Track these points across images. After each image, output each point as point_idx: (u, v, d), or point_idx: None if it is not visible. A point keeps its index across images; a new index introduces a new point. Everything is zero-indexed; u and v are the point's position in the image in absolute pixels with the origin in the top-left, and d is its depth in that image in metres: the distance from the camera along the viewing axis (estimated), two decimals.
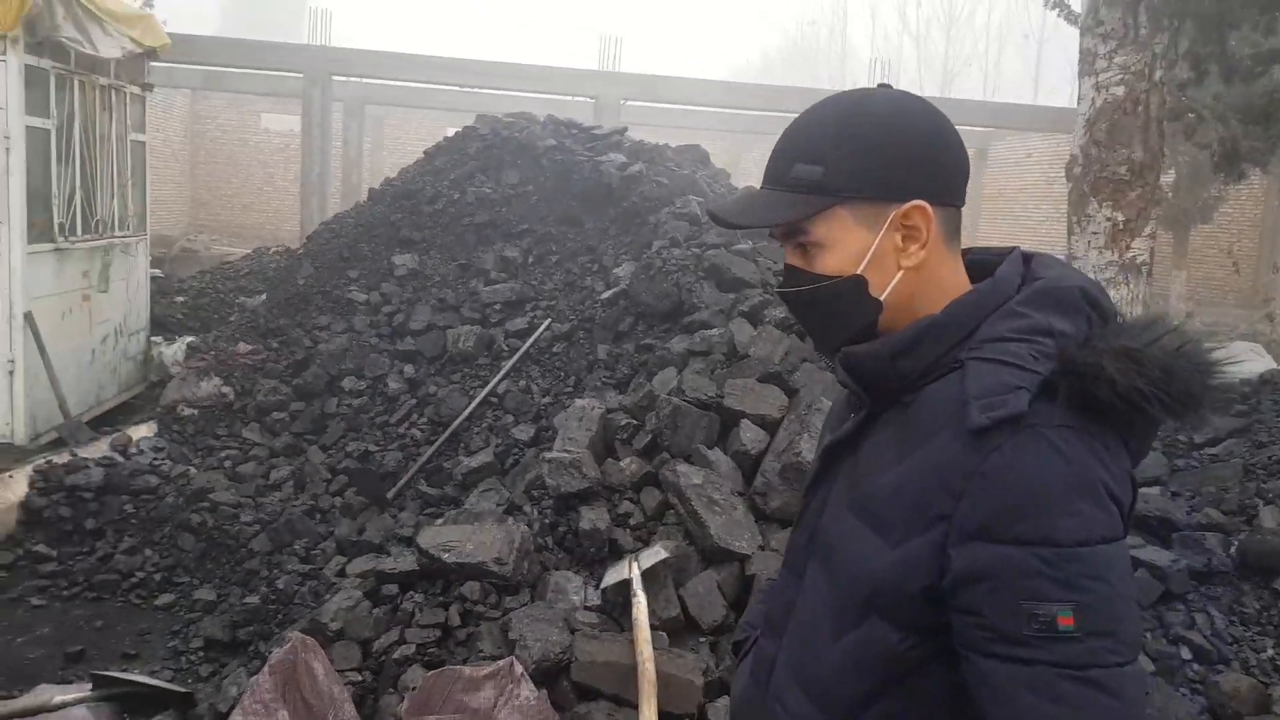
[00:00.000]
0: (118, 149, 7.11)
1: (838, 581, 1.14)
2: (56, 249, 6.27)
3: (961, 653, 1.03)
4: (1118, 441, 1.03)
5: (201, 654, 3.82)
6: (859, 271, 1.11)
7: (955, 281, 1.14)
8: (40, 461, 5.04)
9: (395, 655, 3.21)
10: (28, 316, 5.91)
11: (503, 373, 5.67)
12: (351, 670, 3.23)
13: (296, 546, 4.52)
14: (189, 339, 7.80)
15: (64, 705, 3.00)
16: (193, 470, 5.22)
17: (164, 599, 4.30)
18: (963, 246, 1.18)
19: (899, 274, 1.11)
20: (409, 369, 5.99)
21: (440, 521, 3.80)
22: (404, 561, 3.72)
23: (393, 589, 3.63)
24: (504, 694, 2.30)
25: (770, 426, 4.17)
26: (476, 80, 14.40)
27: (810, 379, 4.46)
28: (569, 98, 15.24)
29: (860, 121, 1.11)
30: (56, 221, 6.26)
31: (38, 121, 5.97)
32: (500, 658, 2.87)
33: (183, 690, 3.23)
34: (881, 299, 1.12)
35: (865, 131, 1.10)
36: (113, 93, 6.97)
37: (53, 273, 6.26)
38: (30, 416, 6.01)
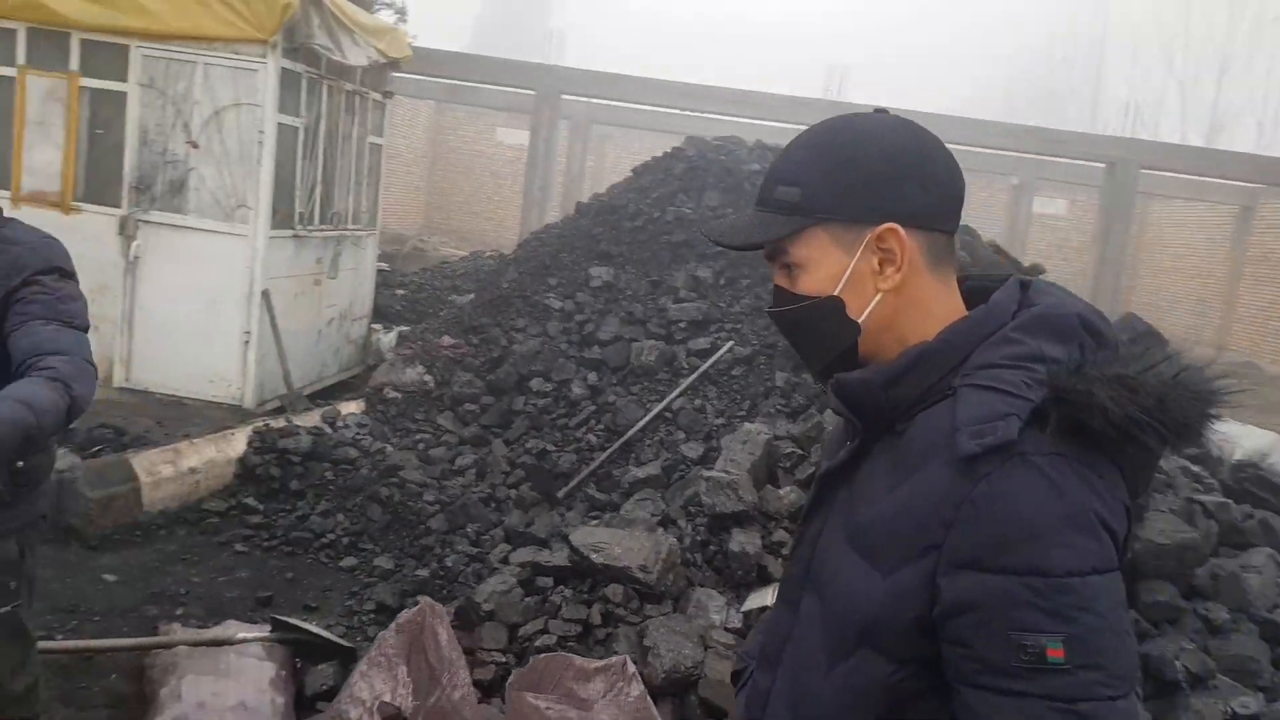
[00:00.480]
0: (357, 150, 7.79)
1: (831, 612, 1.13)
2: (295, 235, 6.95)
3: (952, 685, 1.02)
4: (1113, 470, 1.00)
5: (372, 615, 4.11)
6: (836, 293, 1.12)
7: (945, 307, 1.13)
8: (260, 424, 5.59)
9: (537, 643, 3.34)
10: (265, 294, 6.59)
11: (680, 389, 5.76)
12: (496, 650, 3.39)
13: (469, 530, 4.78)
14: (402, 328, 8.42)
15: (244, 640, 3.31)
16: (389, 448, 5.62)
17: (348, 562, 4.65)
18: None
19: (877, 296, 1.11)
20: (592, 376, 6.19)
21: (595, 523, 3.92)
22: (558, 556, 3.87)
23: (546, 581, 3.78)
24: (612, 689, 2.36)
25: None
26: (698, 104, 14.70)
27: None
28: (789, 125, 15.25)
29: (839, 144, 1.12)
30: (297, 211, 6.94)
31: (288, 120, 6.65)
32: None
33: (348, 645, 3.49)
34: (860, 321, 1.12)
35: (842, 154, 1.11)
36: (356, 98, 7.66)
37: (290, 257, 6.94)
38: (259, 384, 6.69)
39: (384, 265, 9.42)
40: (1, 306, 2.01)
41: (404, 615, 2.33)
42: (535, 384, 6.26)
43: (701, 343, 6.13)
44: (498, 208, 22.25)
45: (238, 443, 5.34)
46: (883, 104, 1.44)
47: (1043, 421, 0.99)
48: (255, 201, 6.42)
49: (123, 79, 6.41)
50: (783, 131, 14.44)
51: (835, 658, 1.11)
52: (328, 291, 7.62)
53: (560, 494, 5.23)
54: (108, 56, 6.40)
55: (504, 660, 3.35)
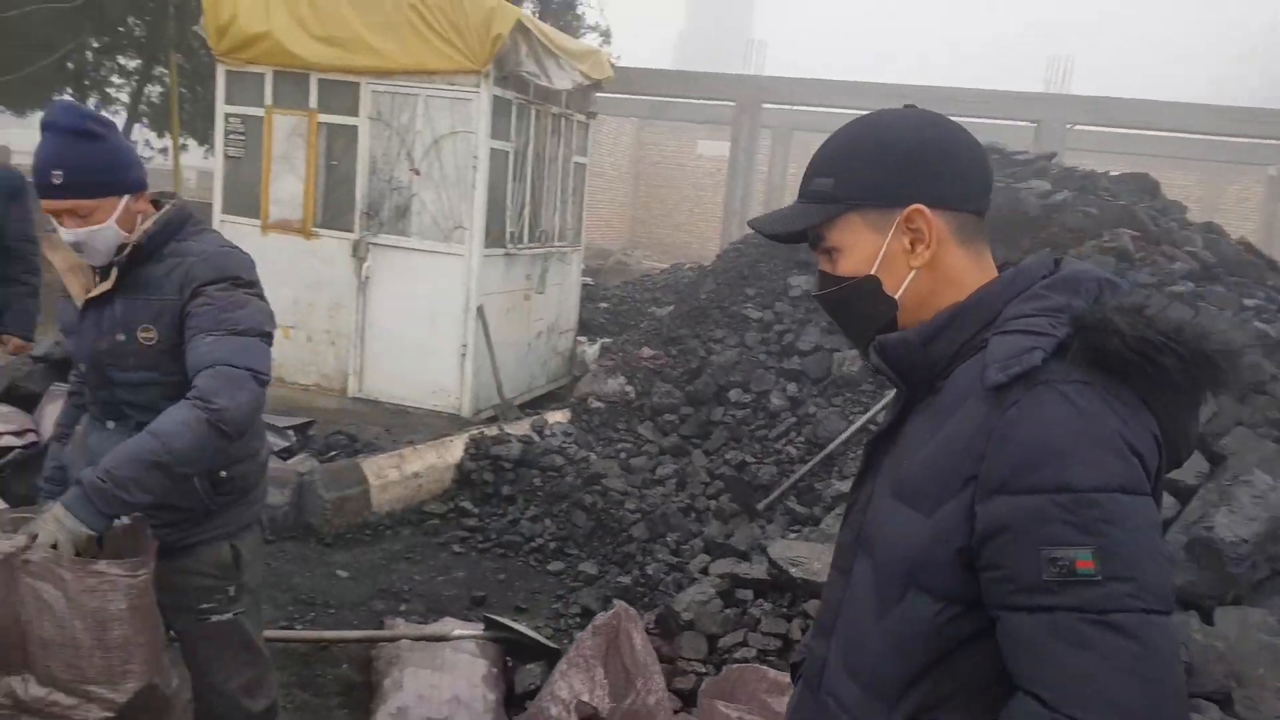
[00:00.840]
0: (562, 169, 8.10)
1: (880, 564, 1.18)
2: (506, 254, 7.30)
3: (991, 614, 1.05)
4: (1135, 398, 1.04)
5: (577, 619, 4.23)
6: (872, 272, 1.21)
7: (978, 280, 1.20)
8: (475, 432, 5.90)
9: (737, 655, 3.33)
10: (479, 310, 6.96)
11: (884, 402, 5.58)
12: (696, 660, 3.41)
13: (669, 539, 4.83)
14: (605, 340, 8.66)
15: (460, 637, 3.50)
16: (593, 456, 5.79)
17: (555, 566, 4.82)
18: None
19: (911, 273, 1.20)
20: (792, 387, 6.12)
21: (794, 537, 3.86)
22: (757, 569, 3.84)
23: (745, 593, 3.77)
24: None
25: (1183, 494, 3.71)
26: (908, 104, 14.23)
27: (1244, 445, 3.89)
28: (1008, 123, 14.47)
29: (868, 136, 1.23)
30: (508, 230, 7.29)
31: (500, 144, 7.01)
32: None
33: (555, 646, 3.61)
34: (896, 296, 1.21)
35: (869, 144, 1.22)
36: (562, 120, 7.97)
37: (501, 274, 7.30)
38: (474, 394, 7.07)
39: (588, 279, 9.72)
40: (179, 320, 2.07)
41: (600, 618, 2.38)
42: (734, 395, 6.27)
43: None
44: (699, 220, 22.50)
45: (456, 449, 5.66)
46: (1115, 94, 1.51)
47: (1067, 353, 1.05)
48: (470, 223, 6.80)
49: (354, 114, 6.98)
50: (1001, 129, 13.74)
51: (885, 607, 1.15)
52: (536, 306, 7.96)
53: (760, 506, 5.20)
54: (341, 94, 6.99)
55: (703, 670, 3.36)
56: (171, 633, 2.22)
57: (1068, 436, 1.00)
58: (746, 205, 15.83)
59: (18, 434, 5.03)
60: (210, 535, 2.19)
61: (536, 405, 7.84)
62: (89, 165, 1.99)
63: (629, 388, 6.62)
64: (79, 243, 2.03)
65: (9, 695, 1.85)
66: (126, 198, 2.05)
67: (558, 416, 6.64)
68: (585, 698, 2.05)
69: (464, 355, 6.99)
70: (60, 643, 1.81)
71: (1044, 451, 1.00)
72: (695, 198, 22.68)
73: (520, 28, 6.60)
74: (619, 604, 2.42)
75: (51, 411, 5.25)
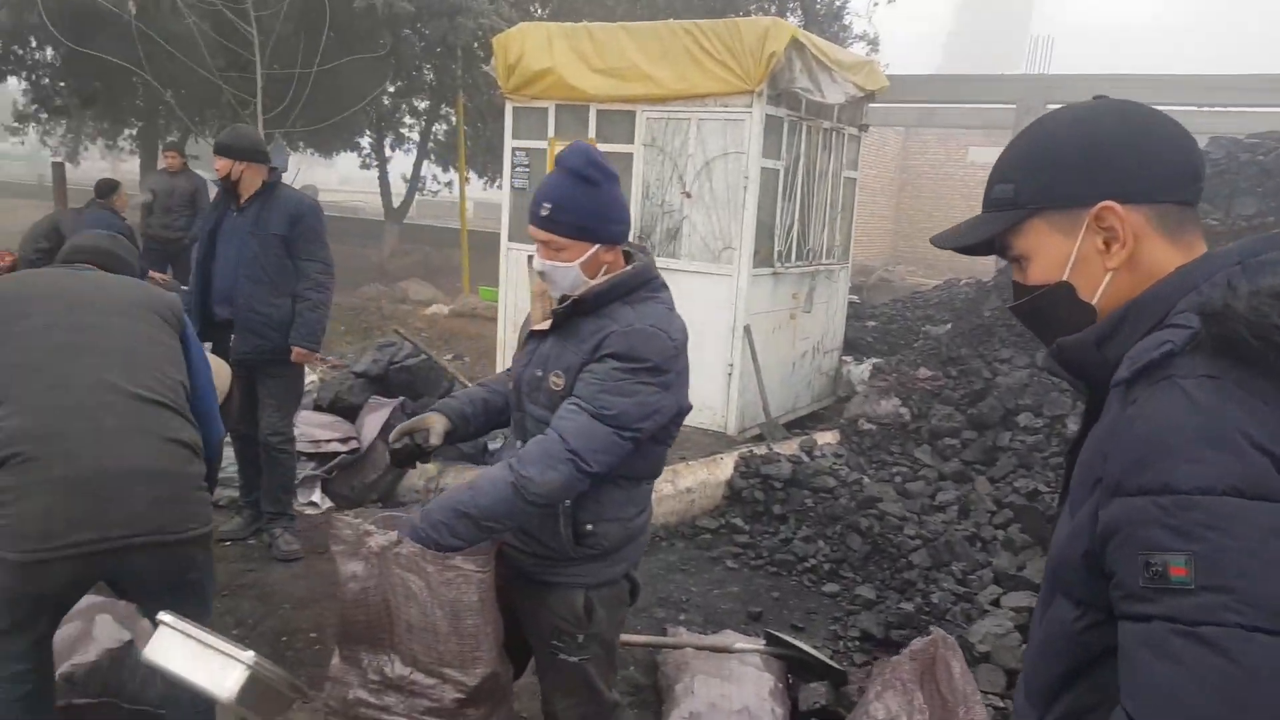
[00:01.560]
0: (831, 185, 7.99)
1: (1047, 573, 1.14)
2: (774, 273, 7.29)
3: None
4: (1276, 392, 0.93)
5: (856, 643, 4.12)
6: (1064, 278, 1.15)
7: None
8: (744, 450, 5.92)
9: None
10: (746, 329, 6.99)
11: None
12: (994, 694, 3.21)
13: (954, 568, 4.60)
14: (875, 360, 8.42)
15: (743, 650, 3.50)
16: (865, 479, 5.63)
17: (830, 587, 4.72)
18: None
19: (1107, 276, 1.13)
20: None
21: None
22: None
23: None
24: None
25: None
26: (1221, 97, 12.84)
27: None
28: None
29: (1045, 135, 1.17)
30: (776, 249, 7.28)
31: (770, 163, 7.02)
32: None
33: (839, 668, 3.53)
34: (1093, 302, 1.14)
35: (1045, 145, 1.16)
36: (833, 134, 7.86)
37: (768, 293, 7.30)
38: (740, 413, 7.10)
39: (854, 298, 9.51)
40: (576, 375, 2.13)
41: (916, 644, 2.29)
42: (1023, 419, 5.88)
43: None
44: None
45: (726, 467, 5.70)
46: None
47: (1199, 347, 0.97)
48: (739, 242, 6.87)
49: (629, 141, 7.26)
50: None
51: (1041, 610, 1.14)
52: (802, 325, 7.89)
53: None
54: (618, 123, 7.30)
55: (1002, 705, 3.16)
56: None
57: (1176, 433, 0.94)
58: None
59: (343, 441, 5.65)
60: (568, 581, 2.22)
61: (800, 425, 7.76)
62: (575, 208, 2.08)
63: (904, 409, 6.39)
64: (544, 273, 2.16)
65: (379, 672, 2.05)
66: (599, 246, 2.12)
67: (827, 437, 6.53)
68: None
69: (730, 374, 7.05)
70: (422, 628, 1.99)
71: (1152, 450, 0.95)
72: (965, 208, 21.64)
73: (795, 44, 6.60)
74: (936, 631, 2.32)
75: (371, 421, 5.83)
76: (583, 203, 2.09)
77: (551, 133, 7.58)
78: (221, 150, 4.47)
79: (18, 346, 2.33)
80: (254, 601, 4.19)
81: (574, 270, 2.12)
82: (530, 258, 2.23)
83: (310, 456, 5.53)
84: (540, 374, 2.18)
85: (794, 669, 3.61)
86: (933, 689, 2.07)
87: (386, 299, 13.23)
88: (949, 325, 7.82)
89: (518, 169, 7.84)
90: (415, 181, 18.21)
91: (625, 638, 3.84)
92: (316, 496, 5.42)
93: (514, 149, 7.85)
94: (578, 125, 7.45)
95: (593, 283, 2.13)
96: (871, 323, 9.40)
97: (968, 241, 1.23)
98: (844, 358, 8.70)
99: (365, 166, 19.88)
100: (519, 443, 2.25)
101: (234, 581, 4.34)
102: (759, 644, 3.67)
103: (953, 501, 5.41)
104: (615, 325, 2.09)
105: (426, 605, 1.98)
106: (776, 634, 3.71)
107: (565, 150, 2.15)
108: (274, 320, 4.47)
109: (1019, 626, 3.50)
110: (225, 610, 3.86)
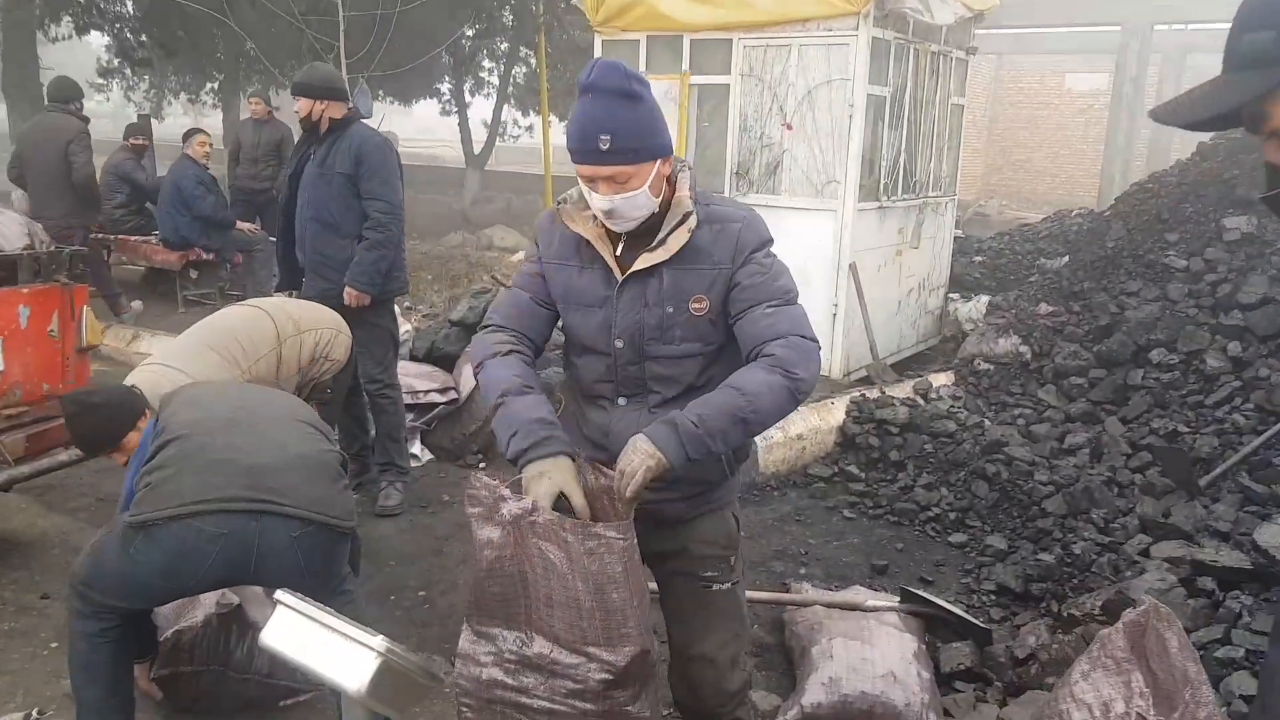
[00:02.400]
0: (939, 113, 7.53)
1: None
2: (880, 207, 6.92)
3: None
4: None
5: (993, 597, 3.88)
6: None
7: None
8: (856, 394, 5.65)
9: (1218, 654, 2.83)
10: (852, 267, 6.66)
11: None
12: None
13: (1094, 515, 4.30)
14: (984, 297, 8.01)
15: (876, 609, 3.30)
16: (987, 422, 5.33)
17: (957, 537, 4.48)
18: None
19: None
20: (1234, 346, 5.22)
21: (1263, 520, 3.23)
22: (1229, 557, 3.27)
23: (1207, 583, 3.23)
24: None
25: None
26: None
27: None
28: None
29: None
30: (881, 182, 6.90)
31: (876, 90, 6.61)
32: None
33: (983, 626, 3.30)
34: None
35: None
36: (940, 58, 7.38)
37: (874, 229, 6.94)
38: (845, 355, 6.81)
39: (958, 232, 9.05)
40: (728, 288, 2.01)
41: (1128, 615, 2.05)
42: (1156, 355, 5.47)
43: None
44: (1066, 164, 20.42)
45: (837, 412, 5.46)
46: None
47: None
48: (843, 176, 6.51)
49: (726, 71, 6.92)
50: None
51: None
52: (908, 262, 7.51)
53: (1202, 482, 4.47)
54: (713, 52, 6.96)
55: None
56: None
57: None
58: (1130, 142, 14.08)
59: (441, 391, 5.54)
60: (719, 505, 2.18)
61: (906, 367, 7.43)
62: (633, 130, 1.90)
63: (1024, 348, 6.02)
64: (612, 210, 1.96)
65: (515, 650, 1.90)
66: (659, 161, 1.95)
67: (941, 379, 6.22)
68: (1120, 707, 1.74)
69: (835, 314, 6.75)
70: (564, 603, 1.82)
71: None
72: (1060, 139, 20.58)
73: None
74: (1149, 600, 2.07)
75: (469, 371, 5.73)
76: (638, 122, 1.91)
77: (643, 66, 7.27)
78: (300, 90, 4.29)
79: (189, 419, 2.53)
80: (360, 559, 4.11)
81: (644, 195, 1.95)
82: (561, 204, 2.08)
83: (409, 408, 5.45)
84: (672, 309, 2.02)
85: (932, 627, 3.40)
86: (1144, 665, 1.84)
87: (472, 246, 13.17)
88: (1065, 258, 7.34)
89: None
90: (496, 126, 18.01)
91: (752, 594, 3.67)
92: (416, 449, 5.34)
93: None
94: (670, 57, 7.14)
95: (686, 200, 2.02)
96: (979, 258, 8.95)
97: (1211, 113, 0.95)
98: (950, 295, 8.29)
99: (445, 113, 19.75)
100: (622, 399, 2.11)
101: None
102: (893, 601, 3.47)
103: (1083, 445, 5.07)
104: (735, 224, 2.03)
105: (567, 578, 1.81)
106: (913, 590, 3.50)
107: (595, 72, 1.91)
108: (338, 263, 4.32)
109: (1183, 580, 3.21)
110: None
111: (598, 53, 7.55)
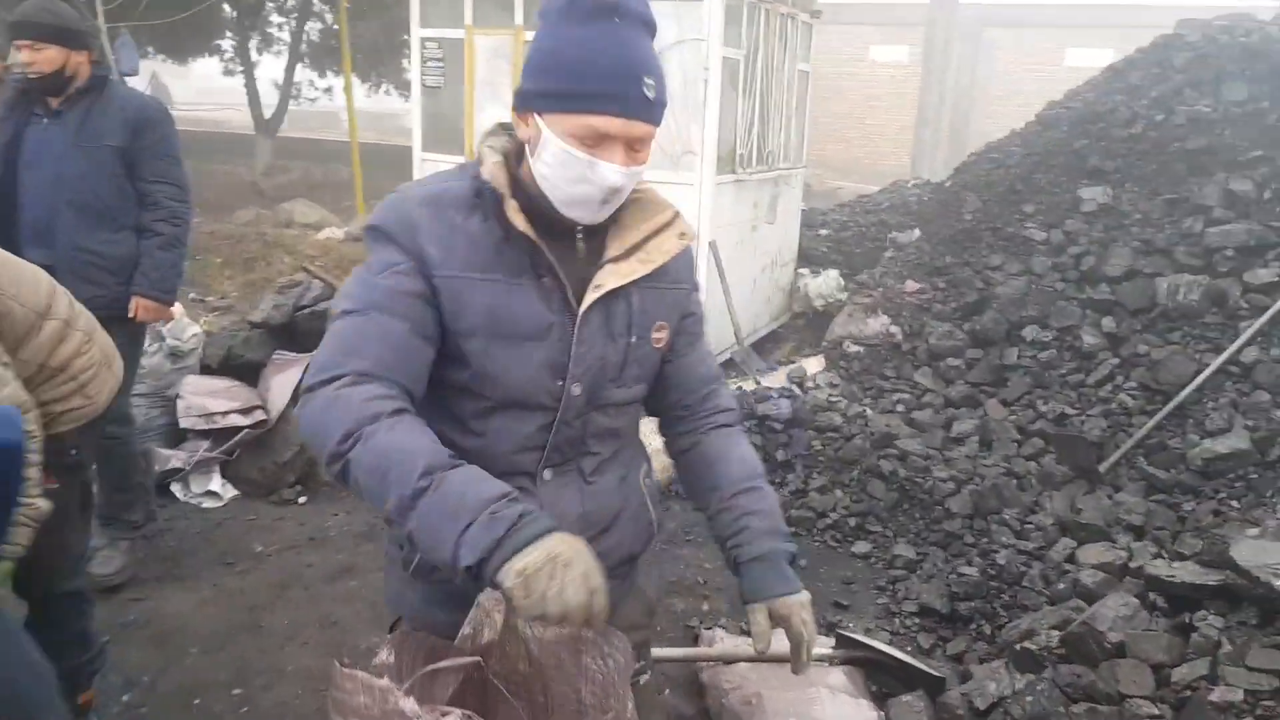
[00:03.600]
0: (787, 79, 7.13)
1: None
2: (737, 180, 6.45)
3: None
4: None
5: (917, 621, 3.48)
6: None
7: None
8: (734, 389, 5.16)
9: (1213, 698, 2.49)
10: (712, 245, 6.16)
11: (1244, 338, 4.51)
12: (1143, 698, 2.60)
13: (1006, 516, 3.98)
14: (833, 271, 7.74)
15: (816, 662, 2.78)
16: (869, 412, 4.97)
17: (860, 546, 4.07)
18: None
19: None
20: (1107, 322, 5.09)
21: (1255, 532, 2.95)
22: (1186, 571, 2.97)
23: (1157, 599, 2.94)
24: None
25: None
26: None
27: None
28: None
29: None
30: (737, 153, 6.42)
31: (731, 52, 6.09)
32: None
33: (936, 674, 2.86)
34: None
35: None
36: (788, 21, 6.97)
37: (731, 203, 6.47)
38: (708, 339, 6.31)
39: (803, 205, 8.77)
40: (681, 314, 1.60)
41: None
42: (1029, 332, 5.30)
43: (1262, 274, 4.80)
44: (872, 134, 20.95)
45: None
46: None
47: None
48: (700, 146, 5.97)
49: None
50: None
51: None
52: (762, 237, 7.11)
53: (1102, 469, 4.27)
54: None
55: (1157, 714, 2.55)
56: None
57: None
58: (941, 113, 14.41)
59: (244, 412, 4.53)
60: (637, 575, 1.79)
61: (760, 346, 7.04)
62: (664, 78, 1.35)
63: (894, 328, 5.73)
64: (620, 189, 1.34)
65: None
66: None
67: (812, 364, 5.84)
68: None
69: None
70: None
71: None
72: (866, 109, 21.09)
73: None
74: None
75: (279, 384, 4.70)
76: (662, 69, 1.35)
77: (468, 19, 6.45)
78: (35, 32, 3.18)
79: None
80: (147, 648, 3.12)
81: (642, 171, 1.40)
82: (485, 183, 1.39)
83: (203, 435, 4.46)
84: (635, 340, 1.47)
85: (873, 675, 2.94)
86: None
87: (268, 224, 11.78)
88: (917, 231, 7.16)
89: (430, 64, 6.69)
90: (288, 89, 16.37)
91: (660, 652, 3.07)
92: (216, 485, 4.35)
93: (424, 40, 6.68)
94: (500, 11, 6.34)
95: (648, 184, 1.50)
96: (824, 230, 8.70)
97: None
98: (799, 270, 7.98)
99: (229, 73, 17.83)
100: (547, 472, 1.46)
101: (116, 620, 3.22)
102: (828, 646, 2.97)
103: (971, 432, 4.81)
104: (681, 224, 1.51)
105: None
106: (849, 634, 3.02)
107: None
108: (112, 262, 3.35)
109: (1145, 604, 2.89)
110: (110, 664, 2.76)
111: (415, 5, 6.65)
